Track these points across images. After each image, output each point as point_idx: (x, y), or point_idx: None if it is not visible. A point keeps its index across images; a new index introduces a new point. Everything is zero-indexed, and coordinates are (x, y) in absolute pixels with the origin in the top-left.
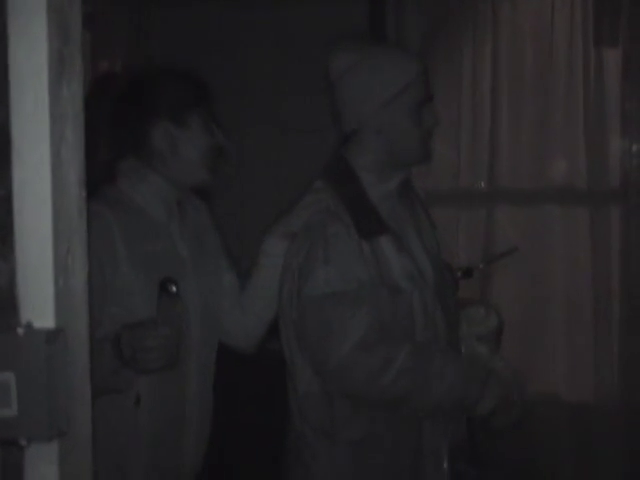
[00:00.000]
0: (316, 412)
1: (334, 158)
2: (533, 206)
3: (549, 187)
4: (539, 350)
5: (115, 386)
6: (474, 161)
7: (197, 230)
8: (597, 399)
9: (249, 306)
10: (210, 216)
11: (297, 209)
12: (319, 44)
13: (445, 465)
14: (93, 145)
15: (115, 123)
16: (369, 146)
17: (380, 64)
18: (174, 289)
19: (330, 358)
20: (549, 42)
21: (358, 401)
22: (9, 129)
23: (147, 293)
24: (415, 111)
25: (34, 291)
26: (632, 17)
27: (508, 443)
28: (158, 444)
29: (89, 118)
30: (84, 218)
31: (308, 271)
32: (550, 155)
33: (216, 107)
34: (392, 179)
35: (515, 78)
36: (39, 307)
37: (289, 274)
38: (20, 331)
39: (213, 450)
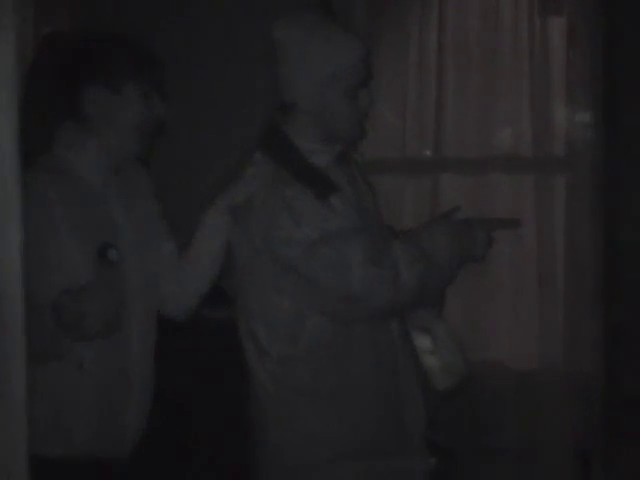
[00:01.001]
0: (294, 371)
1: (270, 129)
2: (479, 174)
3: (495, 156)
4: (484, 318)
5: (56, 352)
6: (420, 130)
7: (136, 197)
8: (541, 367)
9: (185, 277)
10: (150, 183)
11: (240, 182)
12: (266, 13)
13: (423, 411)
14: (31, 110)
15: (51, 88)
16: (304, 121)
17: (325, 43)
18: (112, 254)
19: (350, 287)
20: (495, 11)
21: (384, 317)
22: None
23: (85, 259)
24: (352, 93)
25: None
26: None
27: (454, 410)
28: (101, 409)
29: (29, 82)
30: (19, 184)
31: (285, 238)
32: (496, 124)
33: (164, 77)
34: (329, 152)
35: (461, 47)
36: None
37: (252, 248)
38: None
39: (155, 415)
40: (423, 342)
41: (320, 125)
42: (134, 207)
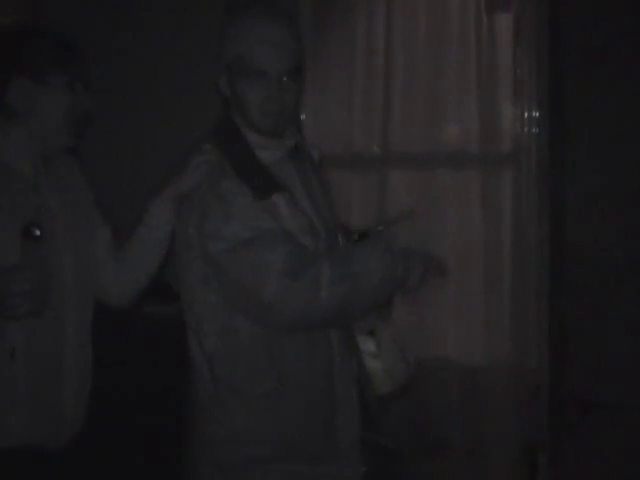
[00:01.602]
0: (227, 368)
1: (222, 120)
2: (426, 170)
3: (442, 151)
4: (431, 313)
5: None
6: (367, 125)
7: (67, 185)
8: (488, 363)
9: (127, 265)
10: (81, 172)
11: (186, 171)
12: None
13: (357, 417)
14: None
15: None
16: (240, 107)
17: (230, 26)
18: (37, 232)
19: (263, 295)
20: (442, 7)
21: (300, 329)
22: None
23: (14, 244)
24: (259, 80)
25: None
26: None
27: (398, 406)
28: (36, 396)
29: None
30: None
31: (212, 232)
32: (443, 120)
33: (86, 68)
34: (279, 146)
35: (408, 42)
36: None
37: (186, 238)
38: None
39: (96, 404)
40: (367, 345)
41: (240, 113)
42: (66, 194)
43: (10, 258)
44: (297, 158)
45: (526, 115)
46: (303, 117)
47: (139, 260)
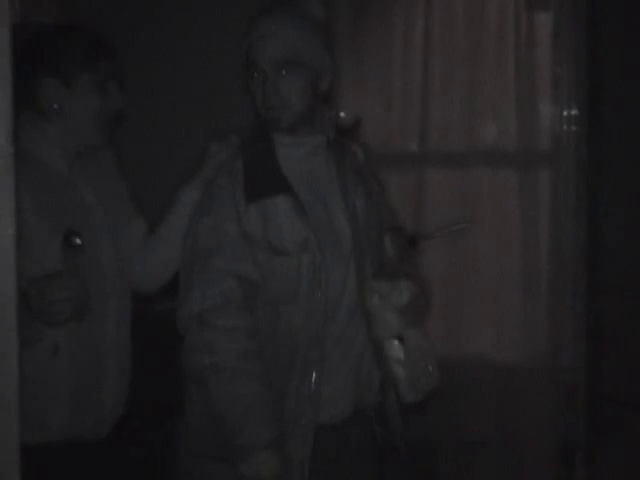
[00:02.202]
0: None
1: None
2: (463, 169)
3: (480, 150)
4: (467, 312)
5: (26, 338)
6: (405, 123)
7: (103, 179)
8: (524, 362)
9: (155, 251)
10: (115, 163)
11: (209, 158)
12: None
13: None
14: None
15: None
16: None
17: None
18: (78, 241)
19: (177, 314)
20: (481, 4)
21: None
22: None
23: (54, 244)
24: (255, 72)
25: None
26: None
27: (435, 404)
28: (77, 392)
29: None
30: (12, 174)
31: (196, 221)
32: (481, 118)
33: (120, 67)
34: (308, 140)
35: (446, 41)
36: None
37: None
38: None
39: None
40: (394, 351)
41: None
42: (103, 189)
43: (50, 261)
44: (332, 156)
45: (564, 114)
46: (342, 115)
47: (169, 247)
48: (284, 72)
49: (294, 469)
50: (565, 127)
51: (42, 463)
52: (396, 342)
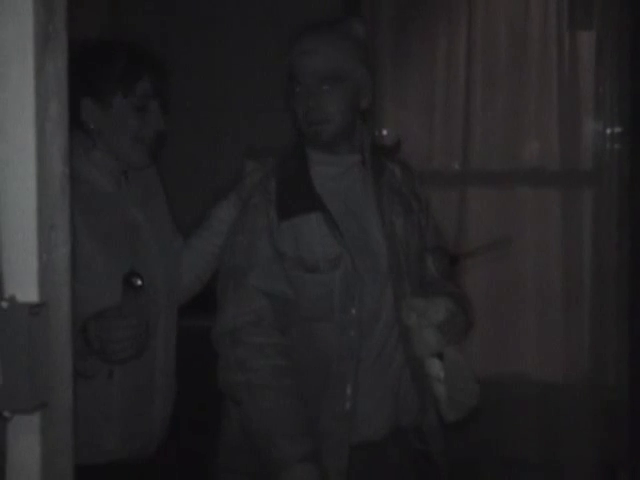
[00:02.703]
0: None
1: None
2: (506, 187)
3: (522, 169)
4: (510, 330)
5: (83, 371)
6: (447, 142)
7: (150, 197)
8: (567, 380)
9: (188, 264)
10: (159, 180)
11: (246, 176)
12: (292, 23)
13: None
14: None
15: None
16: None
17: (291, 46)
18: (139, 282)
19: (212, 331)
20: (523, 24)
21: None
22: None
23: (107, 268)
24: (294, 85)
25: (18, 266)
26: (606, 0)
27: (476, 422)
28: (130, 413)
29: None
30: (67, 194)
31: (230, 239)
32: (523, 137)
33: (166, 89)
34: (344, 159)
35: (489, 60)
36: (23, 281)
37: (225, 242)
38: (4, 305)
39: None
40: (434, 369)
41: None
42: (150, 207)
43: (103, 286)
44: (369, 174)
45: (607, 131)
46: (384, 132)
47: (201, 260)
48: (326, 87)
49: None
50: (608, 145)
51: None
52: (436, 360)
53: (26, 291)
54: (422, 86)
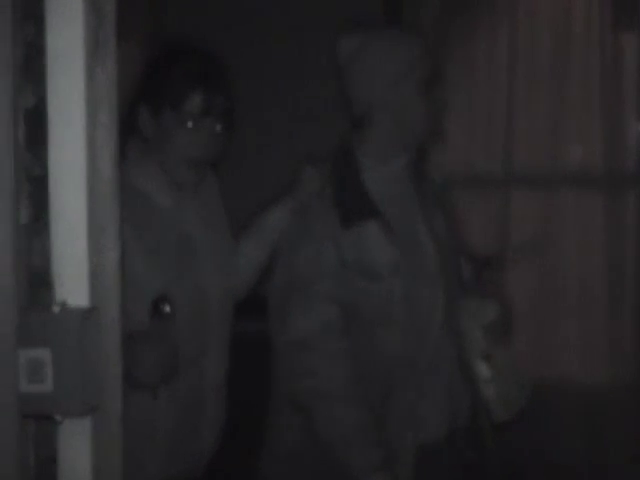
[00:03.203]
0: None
1: (340, 141)
2: (549, 191)
3: (565, 172)
4: (554, 334)
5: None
6: (490, 145)
7: (209, 210)
8: (611, 383)
9: (237, 269)
10: (219, 194)
11: (302, 183)
12: (333, 27)
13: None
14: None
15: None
16: (378, 127)
17: (385, 45)
18: (167, 309)
19: (277, 339)
20: (567, 25)
21: None
22: (45, 110)
23: (154, 285)
24: (422, 89)
25: (69, 270)
26: None
27: (521, 426)
28: (176, 434)
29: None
30: (117, 200)
31: (292, 247)
32: (566, 140)
33: (227, 103)
34: (394, 162)
35: (532, 62)
36: (74, 286)
37: (281, 250)
38: (55, 309)
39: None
40: (482, 370)
41: (395, 127)
42: (208, 222)
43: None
44: (418, 180)
45: None
46: None
47: (251, 266)
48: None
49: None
50: None
51: None
52: (484, 361)
53: (77, 296)
54: (463, 88)
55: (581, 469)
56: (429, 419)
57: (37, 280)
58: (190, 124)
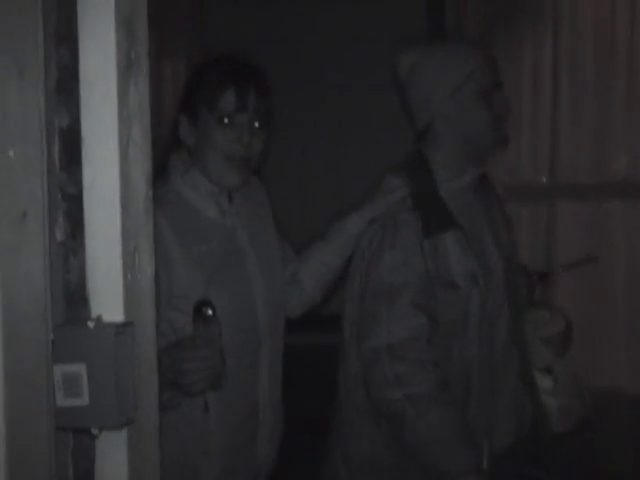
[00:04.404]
0: (362, 392)
1: (411, 153)
2: (594, 201)
3: (610, 182)
4: (603, 345)
5: (164, 403)
6: (535, 156)
7: (255, 217)
8: None
9: (315, 275)
10: (267, 201)
11: (379, 193)
12: (378, 41)
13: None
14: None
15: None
16: (443, 138)
17: (444, 56)
18: (210, 312)
19: (362, 346)
20: (610, 33)
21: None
22: (79, 129)
23: (203, 293)
24: (483, 96)
25: (104, 286)
26: None
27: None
28: (231, 448)
29: None
30: (151, 216)
31: (377, 255)
32: (611, 149)
33: (268, 108)
34: (466, 174)
35: (576, 71)
36: (108, 301)
37: (360, 257)
38: (91, 324)
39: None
40: (544, 382)
41: (457, 137)
42: (256, 229)
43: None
44: (484, 191)
45: None
46: None
47: (329, 272)
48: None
49: None
50: None
51: None
52: (545, 373)
53: (112, 311)
54: (508, 98)
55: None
56: (497, 429)
57: (73, 296)
58: (226, 120)
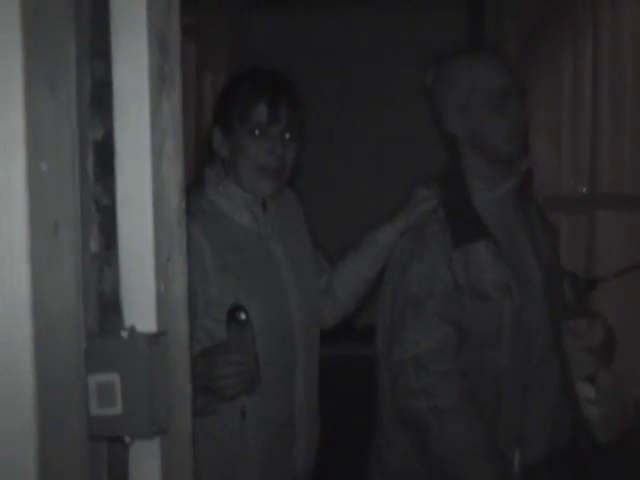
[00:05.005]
0: (394, 402)
1: (447, 164)
2: (634, 211)
3: None
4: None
5: (200, 408)
6: (575, 166)
7: (289, 227)
8: None
9: (336, 288)
10: (301, 211)
11: (411, 204)
12: (418, 50)
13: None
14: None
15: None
16: (465, 151)
17: (452, 70)
18: (243, 317)
19: (391, 356)
20: None
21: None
22: (113, 142)
23: (238, 301)
24: (494, 105)
25: (137, 296)
26: None
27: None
28: (269, 456)
29: None
30: (183, 228)
31: (406, 266)
32: None
33: (298, 120)
34: (501, 185)
35: (616, 82)
36: (142, 311)
37: (392, 268)
38: (124, 334)
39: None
40: (586, 391)
41: (476, 149)
42: (290, 239)
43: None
44: (523, 201)
45: None
46: None
47: (360, 283)
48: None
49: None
50: None
51: None
52: (588, 382)
53: (145, 321)
54: (549, 108)
55: None
56: (532, 438)
57: (107, 306)
58: (257, 132)
